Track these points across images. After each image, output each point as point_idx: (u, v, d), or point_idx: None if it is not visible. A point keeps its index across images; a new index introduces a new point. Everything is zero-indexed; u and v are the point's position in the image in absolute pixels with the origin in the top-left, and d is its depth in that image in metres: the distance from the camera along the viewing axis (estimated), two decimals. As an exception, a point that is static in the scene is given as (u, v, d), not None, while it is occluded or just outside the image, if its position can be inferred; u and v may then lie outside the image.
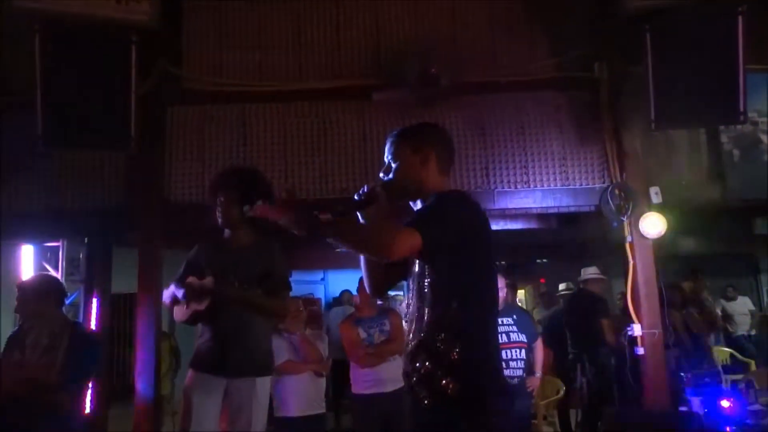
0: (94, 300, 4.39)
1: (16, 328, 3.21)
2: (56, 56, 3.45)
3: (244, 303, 2.90)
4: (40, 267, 4.10)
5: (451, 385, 1.75)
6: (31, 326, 3.07)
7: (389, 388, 4.09)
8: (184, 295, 2.90)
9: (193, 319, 2.98)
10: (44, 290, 3.17)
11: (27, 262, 4.14)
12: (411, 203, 2.01)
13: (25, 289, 3.20)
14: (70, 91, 3.50)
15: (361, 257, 2.01)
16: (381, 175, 2.00)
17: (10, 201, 4.09)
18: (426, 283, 1.84)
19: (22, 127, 3.75)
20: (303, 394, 4.28)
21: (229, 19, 4.61)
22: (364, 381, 4.23)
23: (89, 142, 3.64)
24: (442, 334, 1.78)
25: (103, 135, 3.63)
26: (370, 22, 4.63)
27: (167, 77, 4.27)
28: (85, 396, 3.12)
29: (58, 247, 4.18)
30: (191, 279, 2.95)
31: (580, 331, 5.39)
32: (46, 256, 4.16)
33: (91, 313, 4.33)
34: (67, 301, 3.44)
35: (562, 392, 5.82)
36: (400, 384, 2.12)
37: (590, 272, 5.71)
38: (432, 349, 1.79)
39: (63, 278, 3.95)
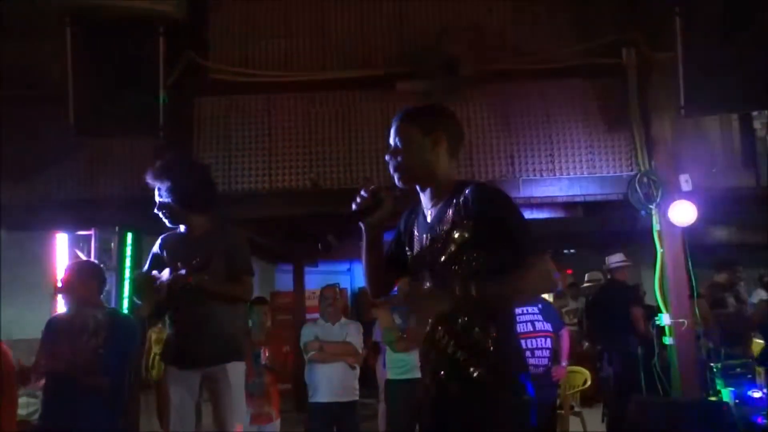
0: (125, 288, 4.50)
1: (58, 313, 3.29)
2: (87, 48, 3.53)
3: (203, 291, 2.86)
4: (73, 255, 4.21)
5: (485, 375, 1.72)
6: (76, 311, 3.14)
7: None
8: (143, 289, 2.96)
9: (157, 312, 3.02)
10: (89, 276, 3.24)
11: (61, 249, 4.25)
12: (418, 187, 1.92)
13: (70, 273, 3.27)
14: (101, 81, 3.58)
15: (363, 263, 1.97)
16: (387, 157, 1.90)
17: (44, 190, 4.21)
18: (464, 273, 1.74)
19: (54, 118, 3.85)
20: (335, 381, 4.34)
21: (255, 9, 4.65)
22: (399, 366, 4.26)
23: (119, 130, 3.72)
24: (477, 324, 1.74)
25: (133, 124, 3.71)
26: (394, 11, 4.63)
27: (194, 68, 4.33)
28: (124, 380, 3.18)
29: (90, 235, 4.28)
30: (149, 272, 2.98)
31: (608, 321, 5.28)
32: (78, 244, 4.27)
33: (120, 302, 4.44)
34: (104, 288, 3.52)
35: (588, 383, 5.78)
36: None
37: (616, 260, 5.56)
38: (466, 337, 1.75)
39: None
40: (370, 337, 6.92)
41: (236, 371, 2.99)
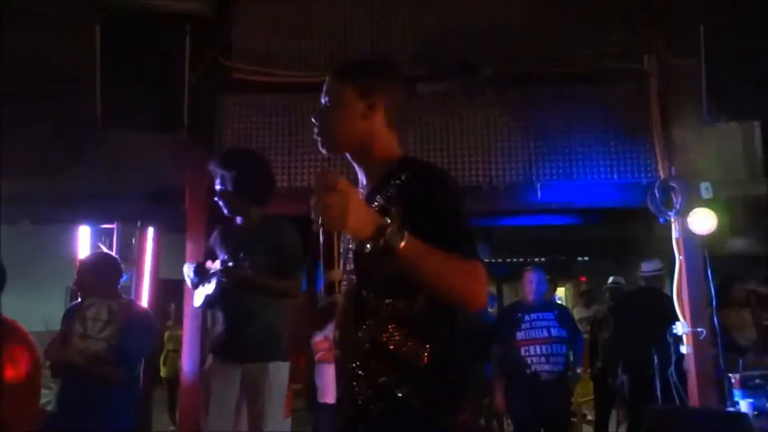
0: (144, 282, 4.56)
1: (76, 302, 3.30)
2: (115, 43, 3.60)
3: (252, 284, 2.82)
4: (95, 248, 4.26)
5: (415, 398, 1.43)
6: (92, 302, 3.15)
7: None
8: (195, 278, 2.94)
9: (205, 303, 2.99)
10: (103, 267, 3.26)
11: (84, 242, 4.31)
12: (351, 158, 1.63)
13: (85, 265, 3.30)
14: (128, 77, 3.65)
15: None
16: (313, 119, 1.62)
17: (69, 184, 4.28)
18: (383, 268, 1.34)
19: (80, 111, 3.92)
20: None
21: (278, 9, 4.71)
22: None
23: (144, 126, 3.78)
24: (407, 335, 1.45)
25: (157, 120, 3.76)
26: (414, 13, 4.66)
27: (217, 66, 4.39)
28: (139, 372, 3.20)
29: (112, 229, 4.34)
30: (206, 263, 2.97)
31: (639, 328, 4.90)
32: (101, 237, 4.32)
33: (141, 295, 4.49)
34: (121, 281, 3.55)
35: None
36: None
37: (653, 267, 5.21)
38: (390, 352, 1.45)
39: (116, 260, 4.11)
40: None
41: (278, 371, 2.92)
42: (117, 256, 3.61)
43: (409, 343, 1.44)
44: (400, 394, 1.43)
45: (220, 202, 2.99)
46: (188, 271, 3.04)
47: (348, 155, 1.64)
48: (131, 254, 4.38)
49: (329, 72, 1.62)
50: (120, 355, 3.02)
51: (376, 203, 1.50)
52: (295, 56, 4.63)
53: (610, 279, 6.77)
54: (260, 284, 2.85)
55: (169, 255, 4.75)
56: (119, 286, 3.35)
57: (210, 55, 4.29)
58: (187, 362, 4.28)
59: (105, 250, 4.18)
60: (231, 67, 4.53)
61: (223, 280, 2.85)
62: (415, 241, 1.30)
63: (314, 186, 1.33)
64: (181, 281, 4.21)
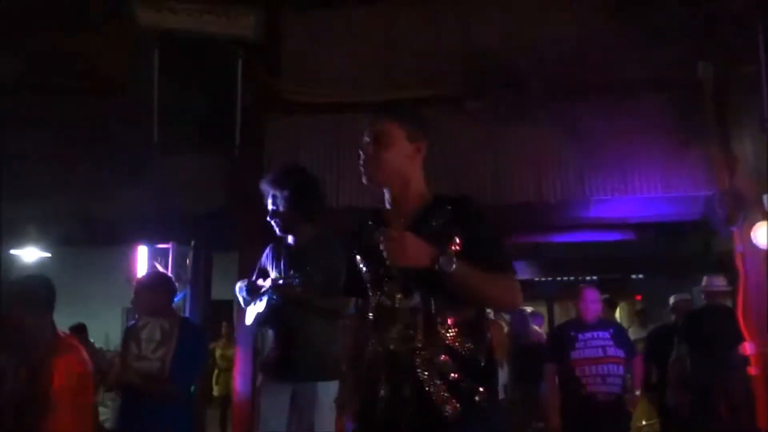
0: (198, 302, 4.65)
1: (133, 322, 3.38)
2: (172, 68, 3.73)
3: (301, 302, 2.82)
4: (151, 267, 4.38)
5: (486, 394, 1.69)
6: (147, 321, 3.21)
7: None
8: (245, 298, 2.95)
9: (255, 322, 3.00)
10: (157, 286, 3.32)
11: (141, 261, 4.43)
12: (389, 190, 1.85)
13: (140, 285, 3.36)
14: (184, 101, 3.77)
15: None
16: (360, 153, 1.83)
17: (125, 205, 4.43)
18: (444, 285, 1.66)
19: (136, 133, 4.06)
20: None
21: (325, 31, 4.80)
22: None
23: (197, 148, 3.89)
24: (469, 340, 1.70)
25: (210, 142, 3.86)
26: (460, 30, 4.67)
27: (266, 88, 4.49)
28: (194, 391, 3.24)
29: (168, 249, 4.45)
30: (252, 280, 3.00)
31: (705, 348, 4.55)
32: (156, 257, 4.44)
33: (194, 314, 4.58)
34: (175, 299, 3.62)
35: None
36: None
37: (719, 283, 4.90)
38: (459, 355, 1.69)
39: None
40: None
41: (327, 391, 2.83)
42: (171, 275, 3.69)
43: (470, 346, 1.71)
44: (476, 394, 1.68)
45: (272, 222, 3.02)
46: (240, 289, 3.07)
47: (386, 187, 1.85)
48: (185, 274, 4.47)
49: (381, 113, 1.86)
50: (174, 373, 3.06)
51: (427, 231, 1.72)
52: (342, 77, 4.70)
53: (674, 296, 6.42)
54: (310, 302, 2.85)
55: (220, 275, 4.83)
56: (173, 305, 3.43)
57: (260, 77, 4.40)
58: (240, 381, 4.32)
59: (161, 269, 4.28)
60: (280, 89, 4.63)
61: (274, 298, 2.87)
62: (462, 264, 1.64)
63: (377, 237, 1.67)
64: (232, 301, 4.29)
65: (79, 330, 4.76)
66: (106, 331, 4.26)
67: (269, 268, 3.08)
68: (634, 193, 4.38)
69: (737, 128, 4.19)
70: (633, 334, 7.10)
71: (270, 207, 3.01)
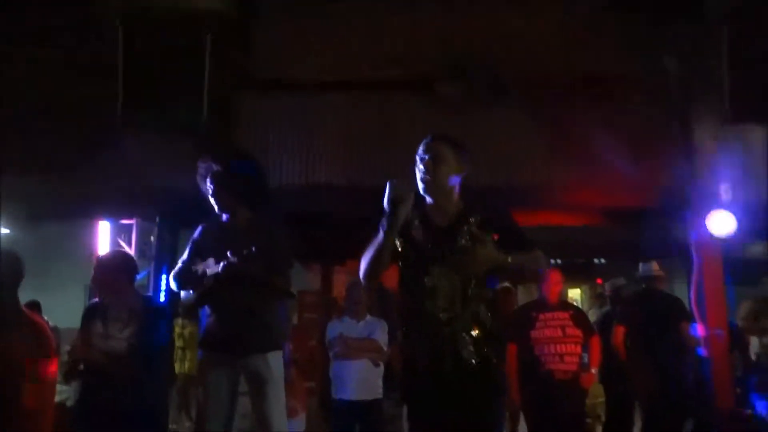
0: (162, 279, 4.60)
1: (95, 300, 3.33)
2: (137, 44, 3.63)
3: (244, 280, 2.91)
4: (114, 244, 4.30)
5: (496, 356, 2.28)
6: (111, 300, 3.18)
7: None
8: (188, 279, 2.99)
9: (199, 301, 3.06)
10: (119, 265, 3.27)
11: (103, 239, 4.35)
12: (437, 198, 2.32)
13: (101, 264, 3.31)
14: (149, 77, 3.68)
15: (376, 247, 2.23)
16: (422, 167, 2.27)
17: (89, 181, 4.33)
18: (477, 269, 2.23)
19: (100, 110, 3.96)
20: (358, 378, 4.36)
21: (300, 11, 4.71)
22: None
23: (164, 124, 3.82)
24: (490, 313, 2.28)
25: (177, 118, 3.80)
26: (438, 15, 4.64)
27: (238, 66, 4.42)
28: (159, 369, 3.23)
29: (131, 225, 4.38)
30: (191, 260, 3.03)
31: (648, 331, 4.89)
32: (120, 234, 4.36)
33: (159, 292, 4.53)
34: (138, 277, 3.58)
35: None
36: None
37: (654, 269, 5.28)
38: (484, 326, 2.25)
39: (136, 256, 4.14)
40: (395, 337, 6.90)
41: (277, 362, 3.03)
42: (133, 254, 3.63)
43: (490, 317, 2.27)
44: (492, 355, 2.25)
45: (213, 200, 3.07)
46: (175, 275, 3.08)
47: (434, 196, 2.32)
48: (150, 250, 4.42)
49: (436, 137, 2.33)
50: (138, 352, 3.04)
51: (465, 229, 2.26)
52: (316, 57, 4.64)
53: (609, 282, 6.65)
54: (255, 280, 2.94)
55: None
56: (135, 283, 3.37)
57: (230, 55, 4.32)
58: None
59: (124, 246, 4.22)
60: (251, 67, 4.56)
61: (222, 276, 2.90)
62: (513, 255, 2.23)
63: None
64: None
65: (32, 307, 4.68)
66: (68, 308, 4.19)
67: (207, 248, 3.09)
68: (599, 180, 4.47)
69: (699, 120, 4.30)
70: (593, 315, 7.32)
71: (210, 186, 3.04)
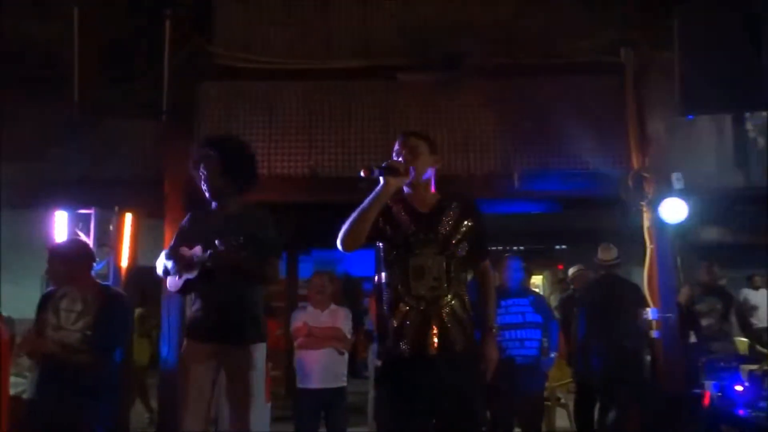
0: (122, 269, 4.53)
1: (50, 289, 3.24)
2: (94, 30, 3.55)
3: (232, 269, 2.86)
4: (72, 233, 4.20)
5: (475, 334, 2.40)
6: (65, 291, 3.11)
7: None
8: (174, 266, 2.93)
9: (185, 289, 3.00)
10: (75, 255, 3.20)
11: (61, 228, 4.25)
12: (415, 187, 2.42)
13: (55, 253, 3.22)
14: (107, 63, 3.60)
15: (361, 210, 2.28)
16: (400, 159, 2.35)
17: (46, 169, 4.23)
18: (460, 256, 2.40)
19: (59, 98, 3.86)
20: (323, 366, 4.38)
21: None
22: None
23: (123, 112, 3.75)
24: (465, 295, 2.41)
25: (136, 106, 3.73)
26: (401, 4, 4.66)
27: (198, 52, 4.36)
28: (117, 359, 3.18)
29: (90, 214, 4.28)
30: (182, 249, 2.95)
31: (607, 315, 4.88)
32: (78, 223, 4.27)
33: (118, 281, 4.46)
34: (96, 267, 3.50)
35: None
36: None
37: (613, 255, 5.21)
38: (465, 304, 2.39)
39: (94, 246, 4.07)
40: (361, 325, 6.93)
41: (259, 353, 2.97)
42: (88, 243, 3.55)
43: (467, 301, 2.40)
44: (473, 334, 2.39)
45: (203, 185, 3.01)
46: (165, 261, 3.02)
47: (413, 186, 2.42)
48: (109, 240, 4.34)
49: (409, 133, 2.46)
50: (96, 342, 2.99)
51: (446, 217, 2.41)
52: (277, 44, 4.62)
53: (572, 269, 6.82)
54: (243, 269, 2.88)
55: (147, 241, 4.72)
56: (92, 273, 3.29)
57: (191, 40, 4.26)
58: (168, 349, 4.28)
59: (81, 235, 4.13)
60: (212, 53, 4.50)
61: (208, 264, 2.86)
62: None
63: None
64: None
65: None
66: (24, 299, 4.10)
67: (195, 235, 3.06)
68: (558, 168, 4.58)
69: (652, 111, 4.43)
70: (554, 300, 7.49)
71: (202, 171, 2.99)
